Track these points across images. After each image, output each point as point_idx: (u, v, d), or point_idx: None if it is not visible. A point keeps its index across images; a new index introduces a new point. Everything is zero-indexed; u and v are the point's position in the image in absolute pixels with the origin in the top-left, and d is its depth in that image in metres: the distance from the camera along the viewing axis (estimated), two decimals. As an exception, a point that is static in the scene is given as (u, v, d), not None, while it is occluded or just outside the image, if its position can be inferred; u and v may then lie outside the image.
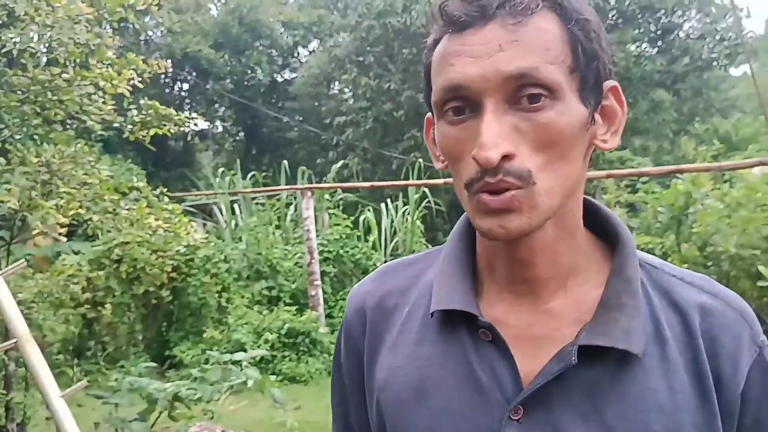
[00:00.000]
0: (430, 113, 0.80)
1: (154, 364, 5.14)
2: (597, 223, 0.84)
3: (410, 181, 10.66)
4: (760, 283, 5.37)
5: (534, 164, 0.69)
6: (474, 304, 0.79)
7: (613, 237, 0.82)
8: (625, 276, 0.77)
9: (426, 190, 11.03)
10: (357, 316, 0.90)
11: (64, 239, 4.02)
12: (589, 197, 0.83)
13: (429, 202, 11.32)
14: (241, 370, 3.97)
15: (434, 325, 0.82)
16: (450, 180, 7.68)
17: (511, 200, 0.69)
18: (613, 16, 18.06)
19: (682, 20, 18.33)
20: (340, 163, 13.68)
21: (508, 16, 0.69)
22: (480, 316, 0.78)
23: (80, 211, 4.10)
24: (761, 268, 5.24)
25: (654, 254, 5.85)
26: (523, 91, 0.68)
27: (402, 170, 13.95)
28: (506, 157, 0.67)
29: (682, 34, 18.39)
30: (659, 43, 18.55)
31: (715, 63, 18.11)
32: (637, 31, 18.29)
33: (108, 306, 6.76)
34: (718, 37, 17.87)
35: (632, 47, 18.96)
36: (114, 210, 4.28)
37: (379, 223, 10.32)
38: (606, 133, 0.77)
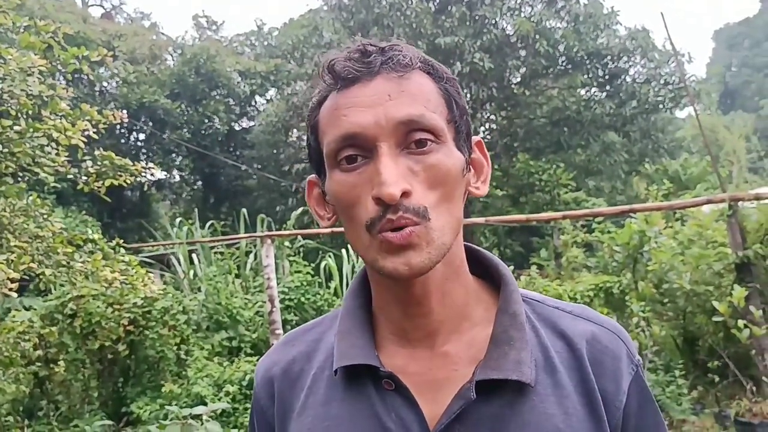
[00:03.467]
0: (313, 175, 0.86)
1: (110, 422, 4.97)
2: (480, 266, 0.90)
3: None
4: (715, 318, 5.48)
5: (428, 202, 0.75)
6: (374, 356, 0.82)
7: (496, 277, 0.88)
8: (510, 311, 0.83)
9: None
10: (264, 388, 0.92)
11: (15, 294, 3.91)
12: (467, 243, 0.88)
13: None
14: (202, 424, 3.86)
15: (340, 383, 0.84)
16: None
17: (410, 235, 0.73)
18: (562, 62, 18.63)
19: (628, 65, 18.99)
20: (300, 209, 13.63)
21: (392, 72, 0.77)
22: (380, 366, 0.81)
23: (32, 265, 4.00)
24: (715, 304, 5.35)
25: (612, 293, 5.92)
26: (412, 136, 0.75)
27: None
28: (404, 195, 0.73)
29: (628, 79, 19.03)
30: (608, 87, 19.16)
31: (661, 106, 18.75)
32: (586, 76, 18.88)
33: (61, 363, 6.54)
34: (662, 81, 18.54)
35: (582, 92, 19.56)
36: (68, 263, 4.18)
37: (340, 269, 10.27)
38: (477, 181, 0.85)
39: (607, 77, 19.05)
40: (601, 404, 0.80)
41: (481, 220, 8.56)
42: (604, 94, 19.21)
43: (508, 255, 19.10)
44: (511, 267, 7.08)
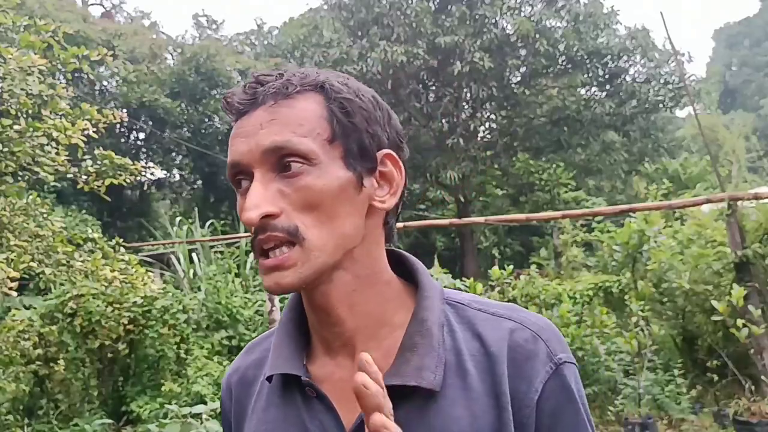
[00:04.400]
0: None
1: (110, 421, 4.97)
2: (407, 271, 0.91)
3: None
4: (714, 317, 5.49)
5: (301, 222, 0.78)
6: (298, 365, 0.86)
7: (416, 280, 0.90)
8: (418, 318, 0.84)
9: (386, 234, 11.05)
10: (226, 394, 1.00)
11: (15, 294, 3.92)
12: (395, 249, 0.92)
13: (390, 245, 11.33)
14: (202, 423, 3.87)
15: (277, 390, 0.89)
16: (410, 223, 7.68)
17: (282, 260, 0.78)
18: (562, 61, 18.63)
19: (628, 65, 19.00)
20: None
21: (272, 100, 0.80)
22: (303, 375, 0.85)
23: (32, 264, 4.01)
24: (714, 303, 5.36)
25: (612, 292, 5.91)
26: (284, 160, 0.78)
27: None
28: (269, 216, 0.77)
29: (628, 78, 19.04)
30: (607, 87, 19.17)
31: (660, 105, 18.76)
32: (586, 76, 18.88)
33: (61, 362, 6.54)
34: (662, 81, 18.56)
35: (582, 91, 19.56)
36: (68, 262, 4.19)
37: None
38: (386, 194, 0.85)
39: (607, 77, 19.06)
40: (509, 405, 0.80)
41: (480, 219, 8.57)
42: (604, 93, 19.21)
43: (508, 254, 19.12)
44: (511, 266, 7.08)
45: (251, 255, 10.51)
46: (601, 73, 19.00)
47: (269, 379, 0.89)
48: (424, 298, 0.86)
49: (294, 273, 0.78)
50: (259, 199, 0.77)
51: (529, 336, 0.83)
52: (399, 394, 0.79)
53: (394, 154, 0.85)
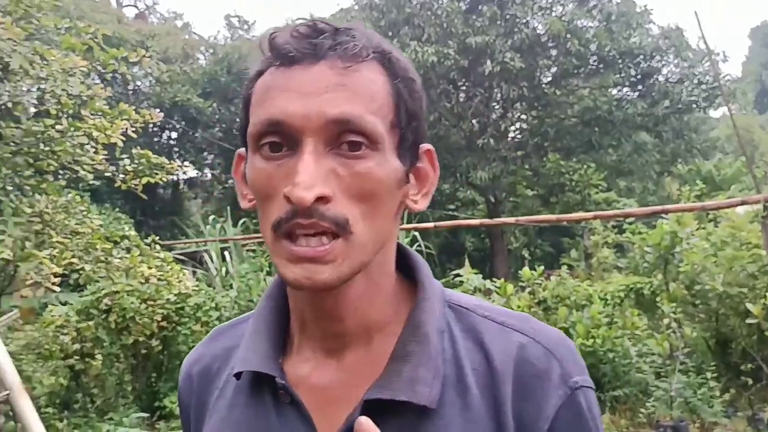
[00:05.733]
0: (243, 148, 0.78)
1: (144, 415, 5.06)
2: (405, 267, 0.81)
3: (401, 225, 10.72)
4: (748, 320, 5.42)
5: (351, 213, 0.67)
6: (273, 363, 0.75)
7: (416, 278, 0.79)
8: (414, 321, 0.74)
9: (417, 234, 11.08)
10: (185, 384, 0.88)
11: (58, 289, 4.02)
12: (401, 243, 0.82)
13: (419, 245, 11.36)
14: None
15: (245, 387, 0.78)
16: (441, 223, 7.67)
17: (323, 252, 0.66)
18: (594, 61, 18.47)
19: (660, 65, 18.77)
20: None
21: (339, 60, 0.67)
22: (277, 376, 0.74)
23: (73, 260, 4.12)
24: (749, 306, 5.29)
25: (643, 293, 5.84)
26: (345, 137, 0.66)
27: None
28: (321, 200, 0.65)
29: (661, 78, 18.81)
30: (640, 87, 18.95)
31: (694, 105, 18.50)
32: (617, 76, 18.69)
33: (97, 357, 6.68)
34: (696, 81, 18.29)
35: (614, 91, 19.36)
36: (106, 259, 4.29)
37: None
38: (417, 194, 0.76)
39: (639, 77, 18.84)
40: (513, 430, 0.70)
41: (511, 220, 8.55)
42: (636, 93, 19.00)
43: (538, 255, 18.99)
44: (541, 267, 7.06)
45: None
46: (633, 73, 18.79)
47: (237, 375, 0.77)
48: (423, 299, 0.76)
49: (333, 269, 0.66)
50: (314, 176, 0.64)
51: (541, 353, 0.73)
52: (388, 410, 0.69)
53: (433, 149, 0.77)
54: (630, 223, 9.79)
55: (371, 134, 0.67)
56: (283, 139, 0.67)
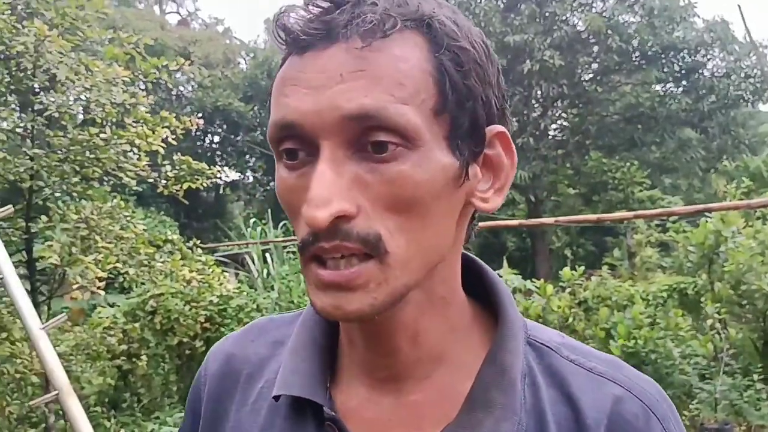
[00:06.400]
0: None
1: (189, 415, 5.17)
2: (481, 288, 0.67)
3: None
4: (796, 322, 5.29)
5: (384, 227, 0.54)
6: (320, 389, 0.64)
7: (496, 309, 0.65)
8: (498, 363, 0.61)
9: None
10: (206, 379, 0.75)
11: (103, 293, 4.16)
12: (471, 254, 0.68)
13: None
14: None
15: (283, 408, 0.66)
16: (483, 224, 7.72)
17: (351, 276, 0.54)
18: (636, 57, 18.19)
19: (706, 59, 18.38)
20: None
21: (357, 38, 0.53)
22: (325, 405, 0.63)
23: (117, 265, 4.24)
24: (797, 306, 5.17)
25: (687, 293, 5.75)
26: (370, 136, 0.53)
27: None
28: (343, 217, 0.53)
29: (706, 73, 18.43)
30: (684, 82, 18.60)
31: (741, 100, 18.07)
32: (661, 72, 18.36)
33: (143, 357, 6.85)
34: (743, 75, 17.86)
35: (657, 87, 19.03)
36: (149, 263, 4.41)
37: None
38: (489, 189, 0.61)
39: (683, 72, 18.49)
40: None
41: (550, 220, 8.49)
42: (680, 89, 18.65)
43: (580, 254, 18.77)
44: (582, 267, 6.99)
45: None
46: (677, 68, 18.44)
47: (276, 398, 0.65)
48: (505, 335, 0.63)
49: (365, 297, 0.55)
50: (331, 190, 0.52)
51: (639, 410, 0.61)
52: None
53: (506, 131, 0.61)
54: (674, 222, 9.63)
55: (402, 129, 0.53)
56: (298, 144, 0.56)
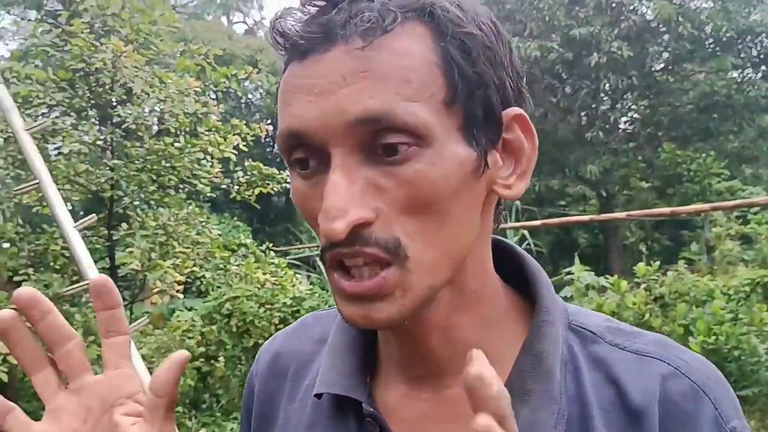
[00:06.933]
0: None
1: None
2: (519, 276, 0.66)
3: (507, 224, 10.61)
4: None
5: (404, 231, 0.53)
6: (360, 387, 0.63)
7: (534, 296, 0.64)
8: (534, 351, 0.60)
9: (525, 232, 10.94)
10: (256, 379, 0.76)
11: (181, 296, 4.33)
12: (505, 241, 0.67)
13: (529, 244, 11.21)
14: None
15: (327, 405, 0.66)
16: (550, 221, 7.53)
17: (377, 286, 0.53)
18: (709, 44, 17.55)
19: (786, 42, 17.59)
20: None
21: (357, 38, 0.51)
22: (364, 402, 0.62)
23: (194, 269, 4.39)
24: None
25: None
26: (380, 139, 0.52)
27: (498, 214, 13.85)
28: (363, 224, 0.52)
29: (788, 56, 17.62)
30: (763, 67, 17.82)
31: (826, 83, 17.20)
32: (737, 57, 17.65)
33: (221, 359, 7.05)
34: (829, 56, 17.00)
35: (734, 74, 18.30)
36: (224, 266, 4.54)
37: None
38: (511, 175, 0.59)
39: (762, 56, 17.71)
40: None
41: (622, 215, 8.28)
42: (759, 74, 17.87)
43: (655, 249, 18.23)
44: (658, 262, 6.80)
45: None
46: (754, 53, 17.68)
47: (318, 395, 0.65)
48: (545, 322, 0.61)
49: (392, 305, 0.54)
50: (346, 199, 0.51)
51: (688, 389, 0.58)
52: None
53: (524, 113, 0.59)
54: (755, 213, 9.25)
55: (412, 128, 0.51)
56: (308, 152, 0.54)
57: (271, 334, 7.64)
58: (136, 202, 5.14)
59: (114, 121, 4.78)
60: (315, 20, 0.53)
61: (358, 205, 0.52)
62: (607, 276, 6.97)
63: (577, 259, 7.55)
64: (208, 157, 4.78)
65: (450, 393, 0.62)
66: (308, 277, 11.58)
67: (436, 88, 0.52)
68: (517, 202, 12.04)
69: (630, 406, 0.57)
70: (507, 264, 0.65)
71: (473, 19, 0.55)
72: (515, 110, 0.57)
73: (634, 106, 19.34)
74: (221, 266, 4.54)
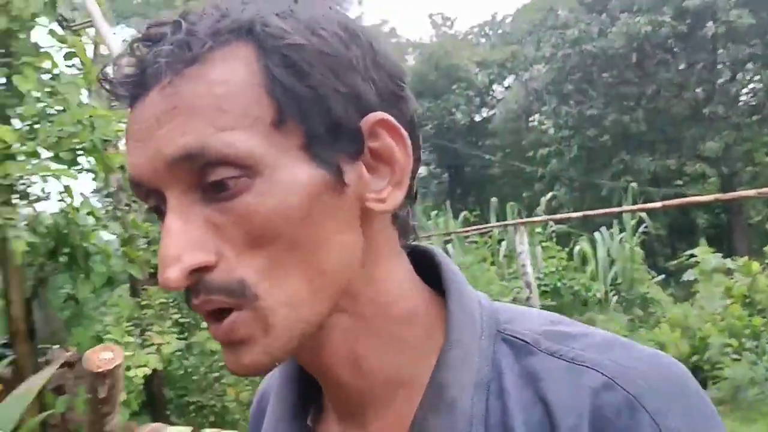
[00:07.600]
0: None
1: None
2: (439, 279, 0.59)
3: (624, 207, 10.34)
4: None
5: (252, 269, 0.48)
6: (297, 423, 0.60)
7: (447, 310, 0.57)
8: (436, 382, 0.54)
9: (642, 214, 10.62)
10: (252, 417, 0.72)
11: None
12: (425, 246, 0.61)
13: (647, 227, 10.88)
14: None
15: None
16: (669, 202, 7.32)
17: (232, 330, 0.49)
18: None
19: None
20: (549, 194, 13.59)
21: (168, 72, 0.48)
22: None
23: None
24: None
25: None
26: (207, 176, 0.48)
27: (612, 196, 13.52)
28: (204, 269, 0.48)
29: None
30: None
31: None
32: None
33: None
34: None
35: None
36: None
37: (595, 253, 10.10)
38: (385, 186, 0.52)
39: None
40: None
41: (751, 192, 7.84)
42: None
43: (785, 229, 17.20)
44: (791, 242, 6.46)
45: (503, 243, 10.75)
46: None
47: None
48: (450, 345, 0.54)
49: (255, 348, 0.49)
50: (179, 244, 0.48)
51: (622, 402, 0.48)
52: None
53: (389, 117, 0.52)
54: None
55: (234, 159, 0.47)
56: (156, 199, 0.51)
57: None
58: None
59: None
60: (133, 65, 0.50)
61: (197, 248, 0.48)
62: (734, 258, 6.69)
63: (703, 241, 7.29)
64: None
65: (374, 425, 0.57)
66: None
67: (262, 111, 0.48)
68: (633, 185, 11.69)
69: (556, 425, 0.49)
70: (429, 272, 0.59)
71: (307, 26, 0.50)
72: (378, 115, 0.51)
73: (756, 77, 18.27)
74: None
